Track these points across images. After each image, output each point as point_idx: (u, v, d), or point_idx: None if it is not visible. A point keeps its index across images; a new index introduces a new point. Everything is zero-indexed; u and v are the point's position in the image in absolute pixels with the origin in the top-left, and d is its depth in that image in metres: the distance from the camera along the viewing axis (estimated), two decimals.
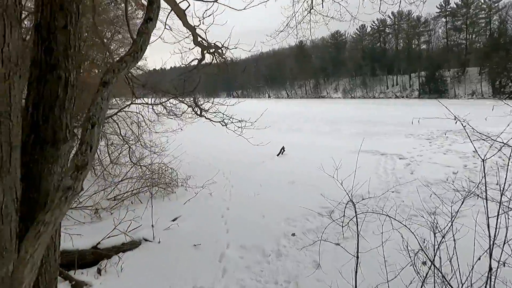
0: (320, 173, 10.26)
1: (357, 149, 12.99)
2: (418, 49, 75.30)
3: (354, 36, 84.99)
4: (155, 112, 9.11)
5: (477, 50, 65.20)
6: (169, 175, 8.39)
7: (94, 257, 4.91)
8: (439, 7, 69.80)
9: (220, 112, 7.83)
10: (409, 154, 12.67)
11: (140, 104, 8.89)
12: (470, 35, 67.66)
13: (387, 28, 78.34)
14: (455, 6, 67.68)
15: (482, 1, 63.85)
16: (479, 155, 3.26)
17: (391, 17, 76.57)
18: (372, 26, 79.69)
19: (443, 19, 70.49)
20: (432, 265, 2.85)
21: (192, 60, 7.96)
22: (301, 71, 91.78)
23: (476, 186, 3.07)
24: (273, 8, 7.79)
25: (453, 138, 16.15)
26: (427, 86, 68.88)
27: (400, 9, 5.61)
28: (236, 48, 7.28)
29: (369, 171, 10.30)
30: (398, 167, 10.67)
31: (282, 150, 13.00)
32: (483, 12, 64.79)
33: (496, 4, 62.17)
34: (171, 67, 14.86)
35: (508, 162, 2.96)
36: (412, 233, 3.10)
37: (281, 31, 6.91)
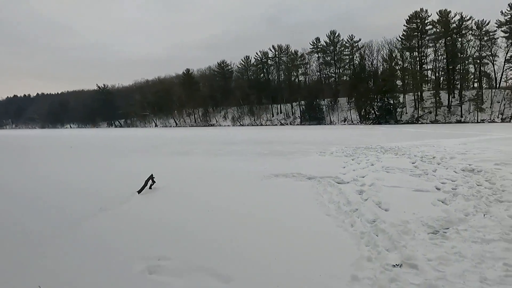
0: (241, 224, 4.25)
1: (271, 172, 7.99)
2: (297, 80, 78.92)
3: (240, 66, 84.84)
4: None
5: (345, 82, 71.30)
6: None
7: None
8: (311, 43, 74.85)
9: None
10: (345, 175, 8.28)
11: None
12: (339, 69, 73.96)
13: (269, 60, 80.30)
14: (324, 43, 73.39)
15: (346, 40, 70.73)
16: None
17: (272, 50, 79.09)
18: (256, 58, 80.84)
19: (316, 55, 75.69)
20: None
21: None
22: (189, 99, 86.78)
23: None
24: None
25: (371, 153, 12.88)
26: (307, 114, 71.68)
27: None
28: None
29: (315, 210, 5.26)
30: (352, 198, 5.91)
31: (150, 182, 7.07)
32: (347, 50, 71.68)
33: (356, 44, 69.46)
34: None
35: None
36: None
37: None
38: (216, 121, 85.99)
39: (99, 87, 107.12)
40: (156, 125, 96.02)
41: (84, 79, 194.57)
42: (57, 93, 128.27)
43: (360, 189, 6.64)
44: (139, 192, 6.58)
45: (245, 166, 10.48)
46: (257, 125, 75.17)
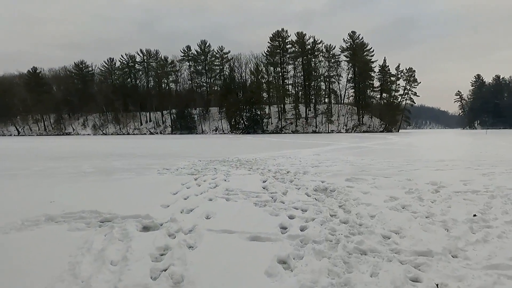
0: None
1: (50, 211, 4.74)
2: (168, 88, 74.43)
3: (103, 68, 74.82)
4: None
5: (216, 92, 70.93)
6: None
7: None
8: (182, 51, 71.90)
9: None
10: (166, 210, 5.48)
11: None
12: (210, 79, 73.14)
13: (137, 65, 73.37)
14: (195, 52, 71.53)
15: (216, 51, 70.55)
16: None
17: (140, 54, 72.52)
18: (121, 61, 72.64)
19: (187, 63, 73.09)
20: None
21: None
22: (37, 103, 71.44)
23: None
24: None
25: (223, 169, 10.68)
26: (178, 123, 68.16)
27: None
28: None
29: None
30: (133, 278, 3.07)
31: None
32: (217, 60, 71.58)
33: (226, 55, 70.05)
34: None
35: None
36: None
37: None
38: (73, 129, 73.34)
39: None
40: None
41: None
42: None
43: (165, 245, 3.88)
44: None
45: (20, 199, 6.55)
46: (123, 134, 67.17)
